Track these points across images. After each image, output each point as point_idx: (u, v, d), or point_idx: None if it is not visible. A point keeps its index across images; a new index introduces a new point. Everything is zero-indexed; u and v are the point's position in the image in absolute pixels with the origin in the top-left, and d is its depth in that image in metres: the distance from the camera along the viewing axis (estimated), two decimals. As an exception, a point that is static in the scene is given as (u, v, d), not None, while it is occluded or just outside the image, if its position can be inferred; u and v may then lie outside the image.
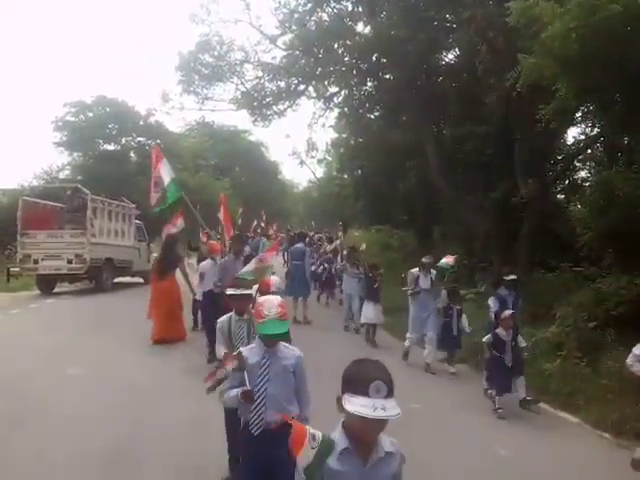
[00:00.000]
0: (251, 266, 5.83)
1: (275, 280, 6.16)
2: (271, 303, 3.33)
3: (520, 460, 5.41)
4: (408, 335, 9.44)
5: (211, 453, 5.07)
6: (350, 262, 12.47)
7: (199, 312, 10.64)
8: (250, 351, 3.47)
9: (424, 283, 9.35)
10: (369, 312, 10.68)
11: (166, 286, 10.33)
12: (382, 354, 9.36)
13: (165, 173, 9.00)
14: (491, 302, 8.70)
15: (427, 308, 9.28)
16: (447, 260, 9.97)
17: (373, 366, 2.01)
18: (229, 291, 4.82)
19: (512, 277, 8.82)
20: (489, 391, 7.28)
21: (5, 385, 7.14)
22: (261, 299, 3.51)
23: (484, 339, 7.42)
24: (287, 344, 3.53)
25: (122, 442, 5.39)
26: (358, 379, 1.94)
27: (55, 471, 4.76)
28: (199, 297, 10.34)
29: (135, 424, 5.92)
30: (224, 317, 4.73)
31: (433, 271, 9.40)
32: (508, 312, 7.29)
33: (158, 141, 34.73)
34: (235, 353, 3.48)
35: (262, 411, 3.35)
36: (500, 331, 7.15)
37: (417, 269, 9.42)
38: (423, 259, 9.65)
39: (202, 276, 9.75)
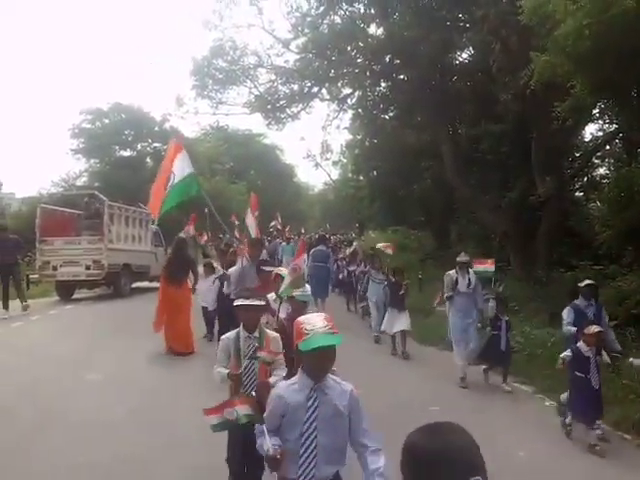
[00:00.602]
0: (287, 279, 5.15)
1: (308, 289, 5.47)
2: (315, 319, 2.69)
3: (539, 461, 5.35)
4: (454, 350, 8.38)
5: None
6: (375, 267, 11.61)
7: (214, 321, 10.45)
8: (289, 389, 2.73)
9: (463, 286, 8.36)
10: (393, 321, 9.85)
11: (176, 294, 9.86)
12: (413, 366, 9.38)
13: (179, 168, 7.00)
14: (565, 314, 7.32)
15: (468, 314, 8.34)
16: (485, 266, 8.97)
17: (461, 445, 1.38)
18: (237, 302, 4.07)
19: (588, 282, 7.36)
20: (566, 420, 6.24)
21: (25, 391, 7.22)
22: (301, 317, 2.82)
23: (562, 355, 6.28)
24: (335, 377, 2.80)
25: (139, 449, 5.41)
26: (447, 470, 1.32)
27: (74, 477, 4.80)
28: (211, 306, 10.35)
29: (152, 431, 5.95)
30: (230, 333, 4.11)
31: (472, 271, 8.47)
32: (595, 328, 6.06)
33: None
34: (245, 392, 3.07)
35: (312, 466, 2.63)
36: (582, 345, 6.06)
37: (454, 270, 8.44)
38: (459, 257, 8.62)
39: (228, 282, 8.75)
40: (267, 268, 6.81)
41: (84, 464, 4.99)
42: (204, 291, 10.71)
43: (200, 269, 11.45)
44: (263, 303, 4.28)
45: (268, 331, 4.13)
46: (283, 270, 5.85)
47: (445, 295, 8.53)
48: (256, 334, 3.99)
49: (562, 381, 7.69)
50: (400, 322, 9.80)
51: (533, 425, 6.49)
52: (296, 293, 4.94)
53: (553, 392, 7.58)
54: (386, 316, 10.03)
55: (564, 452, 5.66)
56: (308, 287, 5.45)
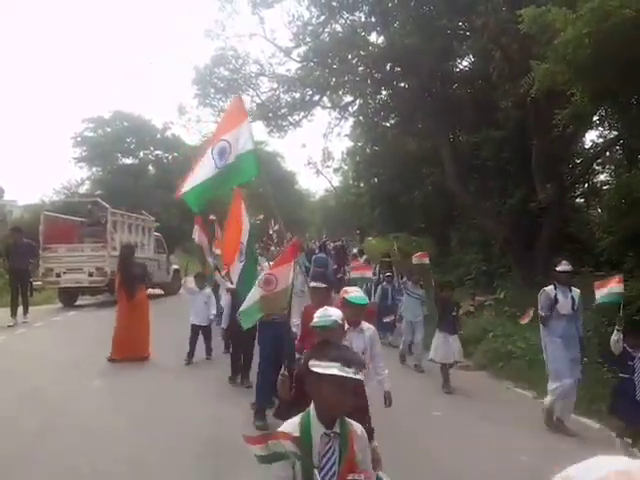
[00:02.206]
0: (254, 296, 3.76)
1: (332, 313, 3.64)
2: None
3: (540, 465, 5.37)
4: (550, 386, 6.60)
5: (228, 464, 5.15)
6: (412, 279, 10.27)
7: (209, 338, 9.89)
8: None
9: (564, 306, 6.50)
10: (443, 347, 8.29)
11: (135, 301, 9.71)
12: (464, 402, 7.88)
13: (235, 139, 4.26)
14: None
15: (572, 344, 6.50)
16: (612, 287, 6.44)
17: None
18: (317, 320, 3.46)
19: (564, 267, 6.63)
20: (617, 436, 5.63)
21: (28, 397, 7.25)
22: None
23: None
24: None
25: (140, 454, 5.44)
26: None
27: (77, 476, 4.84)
28: (206, 322, 9.65)
29: (154, 436, 5.98)
30: (292, 423, 2.33)
31: (575, 290, 6.61)
32: None
33: (176, 154, 35.16)
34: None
35: None
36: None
37: (551, 286, 6.62)
38: (560, 267, 6.67)
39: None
40: (318, 284, 5.70)
41: (85, 469, 5.02)
42: (196, 307, 9.70)
43: (188, 281, 10.69)
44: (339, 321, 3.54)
45: (351, 422, 2.39)
46: (352, 292, 4.40)
47: (541, 316, 6.67)
48: (337, 429, 2.28)
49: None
50: (451, 349, 8.26)
51: (535, 429, 6.53)
52: (317, 317, 3.53)
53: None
54: (434, 341, 8.42)
55: (567, 456, 5.67)
56: (336, 311, 3.66)
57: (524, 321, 7.33)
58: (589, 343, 8.22)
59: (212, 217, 10.21)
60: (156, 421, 6.50)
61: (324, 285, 5.65)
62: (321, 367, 2.13)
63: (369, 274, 11.86)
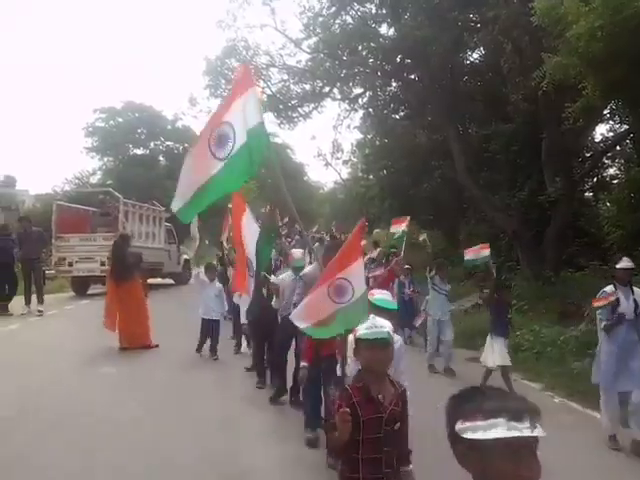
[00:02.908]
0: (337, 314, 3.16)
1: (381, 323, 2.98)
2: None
3: (547, 458, 5.42)
4: (603, 402, 5.83)
5: (242, 455, 5.29)
6: (441, 273, 9.34)
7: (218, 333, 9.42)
8: None
9: (627, 310, 5.71)
10: (499, 351, 7.49)
11: (127, 290, 9.69)
12: None
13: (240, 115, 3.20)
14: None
15: (630, 353, 5.67)
16: (481, 252, 8.94)
17: None
18: (366, 332, 2.71)
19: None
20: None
21: (44, 386, 7.37)
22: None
23: None
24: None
25: (154, 443, 5.49)
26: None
27: (92, 471, 4.86)
28: (218, 316, 9.32)
29: (166, 425, 6.04)
30: None
31: (638, 290, 5.83)
32: None
33: (186, 145, 35.32)
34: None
35: None
36: None
37: (611, 286, 5.87)
38: (621, 264, 6.02)
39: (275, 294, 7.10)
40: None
41: (101, 459, 5.06)
42: (206, 300, 9.36)
43: (199, 272, 10.16)
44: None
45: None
46: (379, 294, 3.88)
47: (602, 324, 5.86)
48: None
49: (571, 378, 7.83)
50: (502, 353, 7.53)
51: (542, 422, 6.54)
52: (365, 329, 2.76)
53: (561, 389, 7.72)
54: (487, 345, 7.71)
55: (575, 449, 5.70)
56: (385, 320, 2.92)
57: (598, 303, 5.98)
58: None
59: (264, 209, 10.39)
60: (169, 410, 6.57)
61: None
62: (477, 430, 1.37)
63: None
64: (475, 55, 19.10)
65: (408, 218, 10.65)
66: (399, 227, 10.72)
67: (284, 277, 6.94)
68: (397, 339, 3.67)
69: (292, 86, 21.23)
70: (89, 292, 17.20)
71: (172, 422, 6.10)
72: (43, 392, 7.10)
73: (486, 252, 9.83)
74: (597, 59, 7.97)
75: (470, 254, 10.27)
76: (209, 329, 9.24)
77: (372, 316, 2.90)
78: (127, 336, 9.59)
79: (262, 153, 3.24)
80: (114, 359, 9.00)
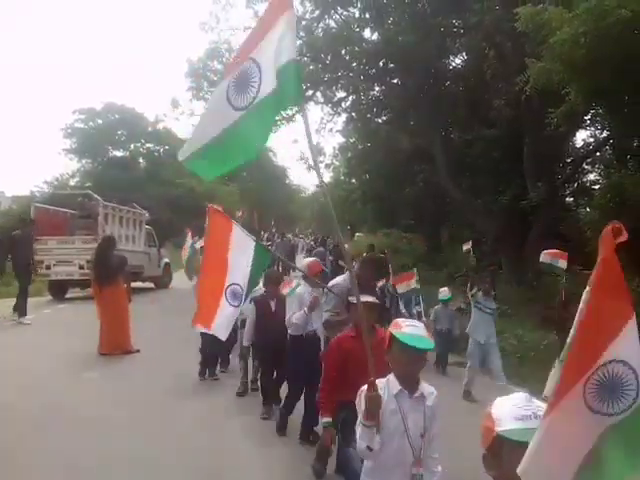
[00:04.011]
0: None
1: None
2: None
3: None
4: None
5: (227, 451, 5.19)
6: (484, 289, 7.86)
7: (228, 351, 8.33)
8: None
9: None
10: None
11: (110, 294, 9.49)
12: (459, 400, 7.50)
13: (271, 48, 2.53)
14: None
15: None
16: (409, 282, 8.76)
17: None
18: (410, 338, 2.54)
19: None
20: None
21: (22, 390, 7.21)
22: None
23: None
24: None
25: (138, 444, 5.45)
26: None
27: (74, 472, 4.81)
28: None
29: (150, 426, 6.00)
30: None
31: None
32: None
33: (167, 147, 35.08)
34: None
35: None
36: None
37: None
38: None
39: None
40: (372, 299, 3.98)
41: (83, 461, 5.00)
42: None
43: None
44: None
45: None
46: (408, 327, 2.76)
47: None
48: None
49: (553, 379, 7.84)
50: None
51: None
52: (408, 334, 2.58)
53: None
54: (552, 375, 6.34)
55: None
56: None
57: None
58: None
59: (240, 213, 9.85)
60: (153, 410, 6.52)
61: (375, 300, 4.05)
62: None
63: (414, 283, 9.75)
64: (458, 60, 19.26)
65: (415, 273, 9.68)
66: (409, 284, 9.62)
67: (339, 281, 5.15)
68: (430, 391, 2.78)
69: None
70: (67, 296, 16.91)
71: (155, 425, 6.02)
72: (24, 396, 6.95)
73: (562, 262, 8.71)
74: (580, 65, 8.06)
75: (547, 257, 9.06)
76: (209, 345, 7.99)
77: (411, 321, 2.83)
78: (108, 341, 9.41)
79: (290, 94, 2.51)
80: (95, 364, 8.84)
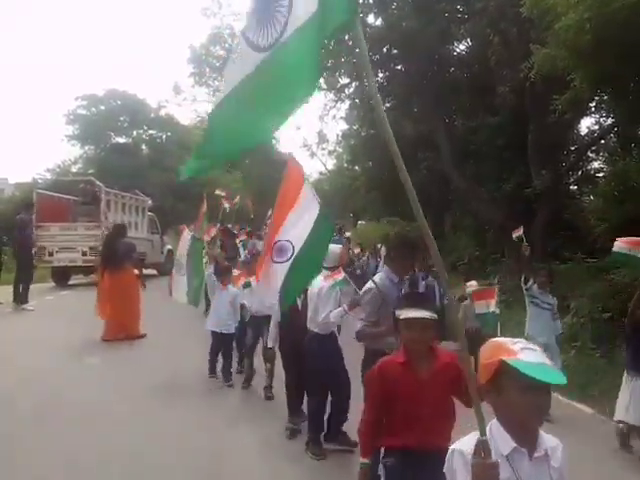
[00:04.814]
0: None
1: None
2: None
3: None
4: None
5: (227, 440, 5.21)
6: (540, 281, 6.80)
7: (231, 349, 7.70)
8: None
9: None
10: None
11: (120, 280, 9.65)
12: None
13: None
14: None
15: None
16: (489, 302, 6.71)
17: None
18: (517, 354, 1.74)
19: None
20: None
21: (23, 378, 7.24)
22: None
23: None
24: None
25: (139, 435, 5.46)
26: None
27: (74, 461, 4.81)
28: (232, 329, 7.43)
29: (152, 416, 6.02)
30: None
31: None
32: None
33: (169, 134, 34.94)
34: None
35: None
36: None
37: None
38: None
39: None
40: (425, 314, 3.01)
41: (83, 452, 5.00)
42: (220, 308, 7.50)
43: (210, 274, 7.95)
44: None
45: None
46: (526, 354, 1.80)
47: None
48: None
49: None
50: None
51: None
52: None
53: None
54: (622, 391, 5.49)
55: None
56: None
57: None
58: (583, 329, 8.31)
59: (236, 199, 9.64)
60: (154, 399, 6.54)
61: (432, 315, 2.86)
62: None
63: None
64: (462, 47, 19.05)
65: (495, 291, 7.67)
66: (488, 304, 7.53)
67: (384, 281, 4.31)
68: (555, 444, 1.96)
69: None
70: (70, 282, 16.96)
71: (157, 417, 6.02)
72: (25, 384, 7.00)
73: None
74: (585, 51, 7.95)
75: (623, 244, 6.63)
76: (221, 346, 7.52)
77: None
78: (114, 327, 9.50)
79: (337, 21, 1.82)
80: (97, 350, 8.88)
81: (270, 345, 6.07)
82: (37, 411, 6.04)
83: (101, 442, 5.23)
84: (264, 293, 3.39)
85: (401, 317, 2.81)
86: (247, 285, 6.83)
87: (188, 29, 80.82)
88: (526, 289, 6.86)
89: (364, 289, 4.35)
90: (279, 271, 3.22)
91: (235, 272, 7.59)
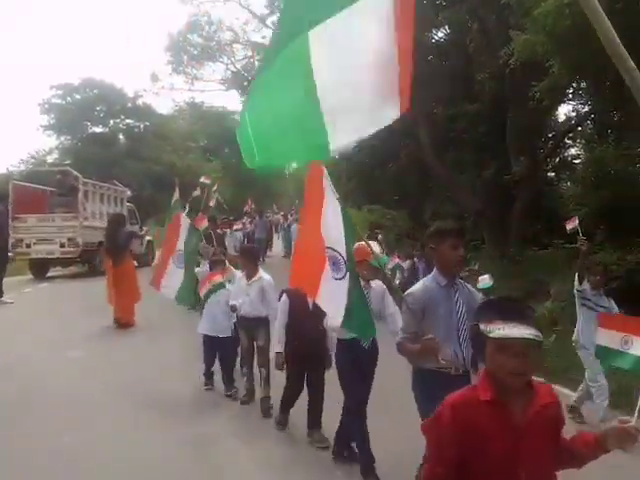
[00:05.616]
0: None
1: None
2: None
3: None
4: None
5: (212, 424, 5.23)
6: (593, 281, 5.81)
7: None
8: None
9: None
10: None
11: (120, 269, 10.00)
12: None
13: None
14: None
15: None
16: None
17: None
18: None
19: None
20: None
21: (6, 370, 7.16)
22: None
23: None
24: None
25: (122, 423, 5.45)
26: None
27: (58, 454, 4.76)
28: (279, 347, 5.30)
29: (135, 404, 6.00)
30: None
31: None
32: None
33: (147, 123, 34.54)
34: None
35: None
36: None
37: None
38: None
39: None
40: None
41: (67, 444, 4.96)
42: (214, 310, 6.60)
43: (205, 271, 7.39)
44: None
45: None
46: None
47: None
48: None
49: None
50: None
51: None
52: None
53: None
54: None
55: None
56: None
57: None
58: (563, 313, 8.41)
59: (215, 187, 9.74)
60: (138, 390, 6.49)
61: (537, 335, 2.10)
62: (495, 331, 1.90)
63: None
64: (440, 34, 19.05)
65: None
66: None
67: (417, 289, 3.54)
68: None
69: (257, 62, 20.93)
70: (49, 275, 16.73)
71: (140, 405, 5.99)
72: (8, 376, 6.90)
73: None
74: (564, 37, 7.99)
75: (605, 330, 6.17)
76: (214, 350, 6.68)
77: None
78: (124, 310, 9.84)
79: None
80: (76, 341, 8.78)
81: (278, 350, 5.20)
82: (19, 401, 6.00)
83: (83, 427, 5.25)
84: (334, 313, 3.08)
85: (492, 335, 1.90)
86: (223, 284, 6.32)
87: (166, 17, 79.64)
88: (578, 290, 5.91)
89: (406, 292, 3.56)
90: (341, 288, 3.00)
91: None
